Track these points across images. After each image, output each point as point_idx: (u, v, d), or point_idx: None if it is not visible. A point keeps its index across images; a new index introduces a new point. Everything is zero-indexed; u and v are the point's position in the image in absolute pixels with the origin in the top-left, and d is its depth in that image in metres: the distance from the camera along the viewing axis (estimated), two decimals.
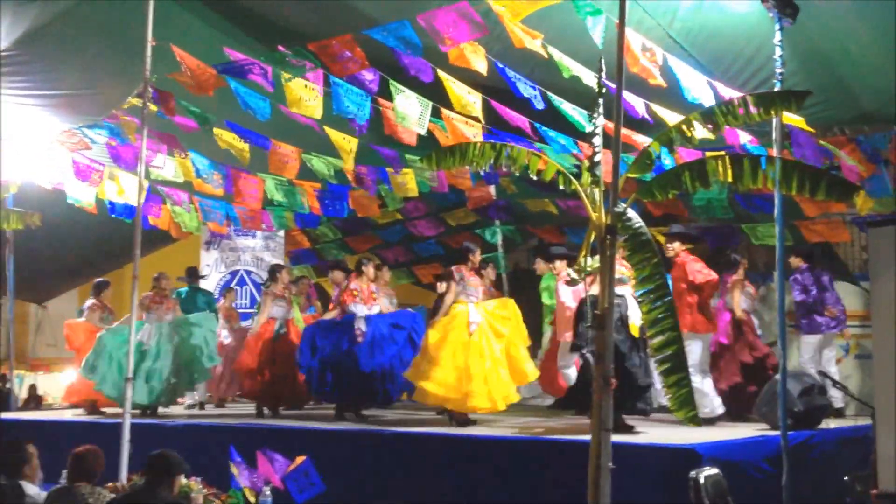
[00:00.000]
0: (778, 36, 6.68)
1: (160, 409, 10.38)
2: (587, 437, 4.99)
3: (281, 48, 7.72)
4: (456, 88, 7.80)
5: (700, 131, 5.14)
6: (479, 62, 7.32)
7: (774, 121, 6.64)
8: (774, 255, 7.02)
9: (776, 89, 6.57)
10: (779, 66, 6.71)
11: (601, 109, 5.34)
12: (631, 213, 5.07)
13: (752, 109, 5.05)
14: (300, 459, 6.16)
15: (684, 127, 5.10)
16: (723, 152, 5.77)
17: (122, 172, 11.04)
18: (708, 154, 5.74)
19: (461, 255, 8.58)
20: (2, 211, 11.04)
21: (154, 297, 10.50)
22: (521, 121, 8.44)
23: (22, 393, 15.37)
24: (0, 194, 10.99)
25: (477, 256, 8.64)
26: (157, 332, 10.24)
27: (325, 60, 7.49)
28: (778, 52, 6.70)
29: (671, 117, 7.54)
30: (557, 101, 7.93)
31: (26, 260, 12.54)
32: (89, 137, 9.99)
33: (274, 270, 10.63)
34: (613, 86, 5.28)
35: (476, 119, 8.14)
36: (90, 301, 11.21)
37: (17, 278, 12.34)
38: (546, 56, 7.18)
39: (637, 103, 7.69)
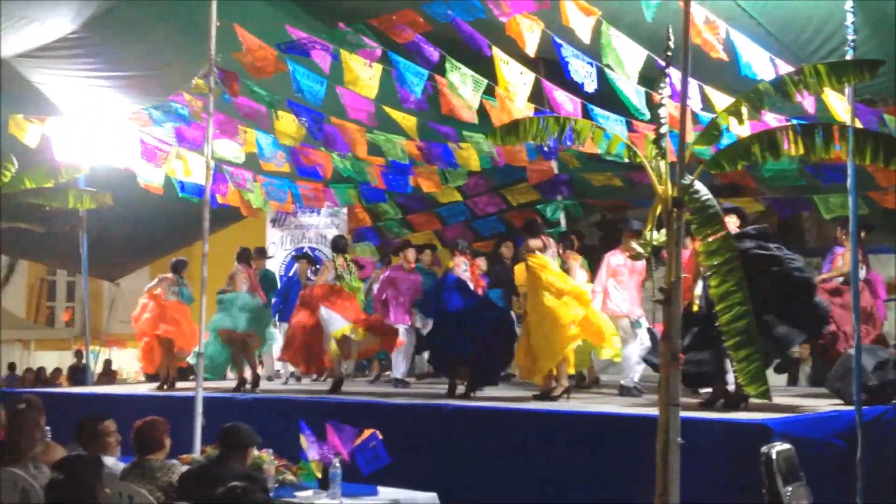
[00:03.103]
0: (849, 2, 6.49)
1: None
2: (656, 412, 4.97)
3: (341, 25, 7.76)
4: (505, 70, 7.72)
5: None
6: (532, 39, 7.24)
7: (847, 90, 6.47)
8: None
9: (847, 58, 6.40)
10: (850, 34, 6.51)
11: (668, 79, 5.27)
12: (698, 185, 5.00)
13: (825, 79, 4.94)
14: (368, 432, 6.23)
15: (753, 97, 5.02)
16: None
17: (189, 153, 11.23)
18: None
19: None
20: (75, 191, 11.32)
21: (246, 270, 10.38)
22: (576, 100, 8.38)
23: (97, 368, 15.80)
24: (71, 174, 11.28)
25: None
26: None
27: (386, 31, 7.50)
28: (850, 18, 6.50)
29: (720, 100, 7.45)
30: (614, 78, 7.82)
31: (99, 239, 12.86)
32: (154, 118, 10.17)
33: (342, 244, 10.27)
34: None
35: (517, 103, 8.09)
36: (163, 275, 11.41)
37: (91, 257, 12.67)
38: (587, 42, 7.09)
39: (692, 86, 7.56)
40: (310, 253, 12.83)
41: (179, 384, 10.73)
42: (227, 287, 10.26)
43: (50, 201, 11.33)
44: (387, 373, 11.21)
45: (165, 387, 10.58)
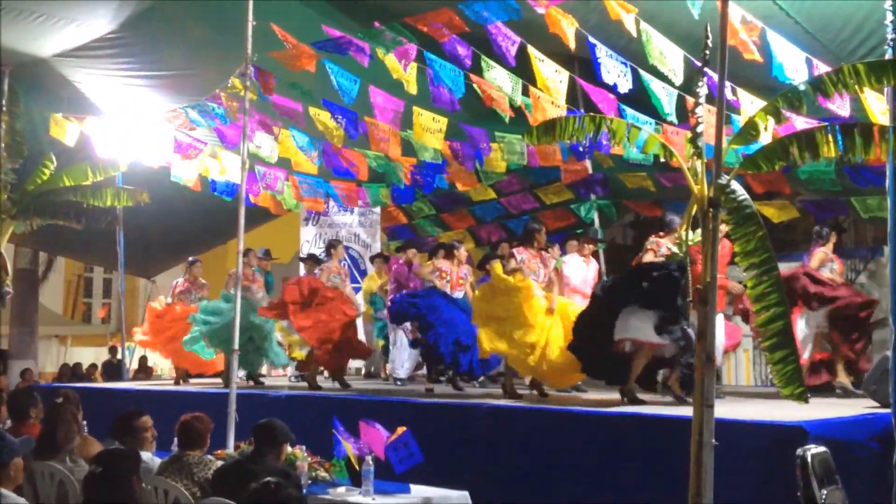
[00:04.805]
0: (889, 0, 6.39)
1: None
2: (689, 413, 4.94)
3: (377, 24, 7.79)
4: (542, 67, 7.71)
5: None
6: (572, 35, 7.24)
7: (887, 90, 6.38)
8: (882, 229, 6.79)
9: (887, 56, 6.31)
10: (890, 33, 6.40)
11: (706, 80, 5.23)
12: (735, 185, 4.96)
13: (864, 78, 4.88)
14: (400, 430, 6.24)
15: (791, 96, 4.97)
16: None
17: (223, 151, 11.31)
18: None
19: (526, 236, 8.47)
20: (112, 188, 11.45)
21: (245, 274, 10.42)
22: (609, 100, 8.34)
23: (132, 364, 15.94)
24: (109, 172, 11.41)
25: (542, 236, 8.47)
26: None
27: (422, 28, 7.52)
28: (889, 17, 6.41)
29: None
30: (647, 79, 7.77)
31: (135, 236, 13.01)
32: (191, 117, 10.26)
33: (329, 246, 10.55)
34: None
35: (556, 104, 8.08)
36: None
37: (127, 254, 12.82)
38: (636, 35, 7.07)
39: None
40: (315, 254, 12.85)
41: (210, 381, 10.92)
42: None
43: (87, 199, 11.49)
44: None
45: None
